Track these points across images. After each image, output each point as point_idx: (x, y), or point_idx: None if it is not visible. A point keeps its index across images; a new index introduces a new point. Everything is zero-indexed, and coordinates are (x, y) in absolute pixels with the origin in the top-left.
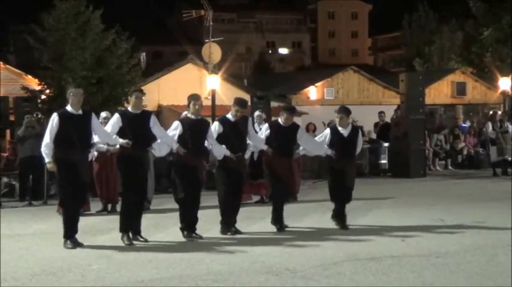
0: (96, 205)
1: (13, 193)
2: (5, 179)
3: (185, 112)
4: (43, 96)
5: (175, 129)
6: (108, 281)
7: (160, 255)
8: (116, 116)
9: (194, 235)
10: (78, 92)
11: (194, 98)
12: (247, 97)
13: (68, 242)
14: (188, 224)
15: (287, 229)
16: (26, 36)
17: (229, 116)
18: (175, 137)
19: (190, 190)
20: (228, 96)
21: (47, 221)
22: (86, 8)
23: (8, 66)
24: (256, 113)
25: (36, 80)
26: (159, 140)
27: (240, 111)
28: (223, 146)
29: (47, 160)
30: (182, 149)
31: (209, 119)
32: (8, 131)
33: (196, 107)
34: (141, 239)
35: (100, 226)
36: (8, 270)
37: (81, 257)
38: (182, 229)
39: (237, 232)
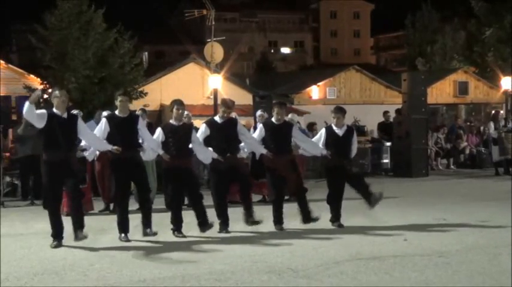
0: (98, 205)
1: (15, 193)
2: (7, 179)
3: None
4: (45, 96)
5: (157, 136)
6: (110, 280)
7: (162, 254)
8: (103, 121)
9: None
10: (63, 94)
11: (177, 103)
12: (249, 97)
13: (52, 241)
14: (177, 225)
15: (289, 228)
16: (29, 36)
17: (216, 118)
18: (159, 142)
19: (179, 193)
20: (230, 96)
21: (49, 221)
22: (88, 8)
23: (10, 65)
24: (258, 112)
25: (39, 79)
26: (145, 144)
27: (226, 113)
28: (210, 149)
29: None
30: (167, 155)
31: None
32: (10, 131)
33: (180, 112)
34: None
35: (102, 225)
36: (10, 269)
37: (83, 257)
38: (173, 230)
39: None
